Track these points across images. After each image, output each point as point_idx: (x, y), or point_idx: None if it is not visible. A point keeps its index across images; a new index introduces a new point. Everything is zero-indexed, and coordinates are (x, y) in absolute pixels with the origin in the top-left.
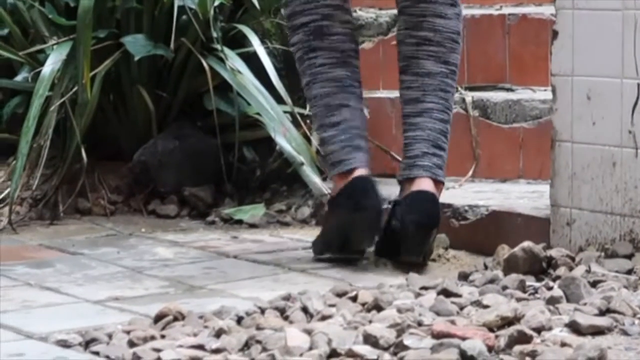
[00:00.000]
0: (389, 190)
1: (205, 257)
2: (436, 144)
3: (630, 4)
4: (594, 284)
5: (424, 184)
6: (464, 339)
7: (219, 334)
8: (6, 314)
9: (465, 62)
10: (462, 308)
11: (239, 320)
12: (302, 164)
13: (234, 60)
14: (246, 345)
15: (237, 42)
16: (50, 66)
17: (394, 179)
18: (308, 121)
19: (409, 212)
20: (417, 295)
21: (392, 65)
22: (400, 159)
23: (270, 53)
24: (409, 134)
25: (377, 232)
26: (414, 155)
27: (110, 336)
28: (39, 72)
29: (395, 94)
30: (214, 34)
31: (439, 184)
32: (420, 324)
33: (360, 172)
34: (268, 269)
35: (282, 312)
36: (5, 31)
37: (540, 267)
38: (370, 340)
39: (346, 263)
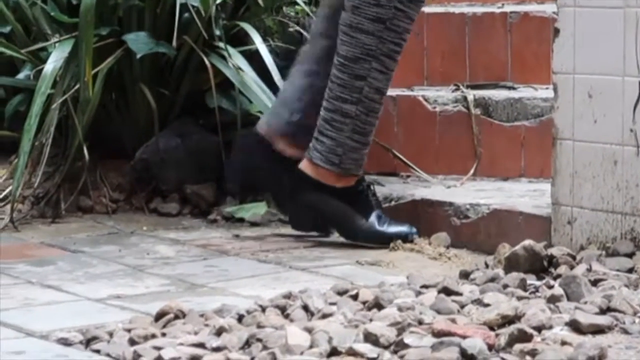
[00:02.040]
0: (391, 188)
1: (207, 255)
2: (319, 130)
3: (631, 2)
4: (594, 283)
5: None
6: (464, 337)
7: (219, 332)
8: (7, 311)
9: (467, 60)
10: (462, 306)
11: (240, 318)
12: None
13: (236, 58)
14: (247, 344)
15: (239, 39)
16: (53, 64)
17: (396, 177)
18: None
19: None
20: (418, 293)
21: None
22: (402, 157)
23: (272, 51)
24: None
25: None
26: None
27: (111, 334)
28: (41, 69)
29: (396, 92)
30: (216, 32)
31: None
32: (420, 322)
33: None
34: (269, 267)
35: (283, 310)
36: (8, 29)
37: (541, 266)
38: (370, 338)
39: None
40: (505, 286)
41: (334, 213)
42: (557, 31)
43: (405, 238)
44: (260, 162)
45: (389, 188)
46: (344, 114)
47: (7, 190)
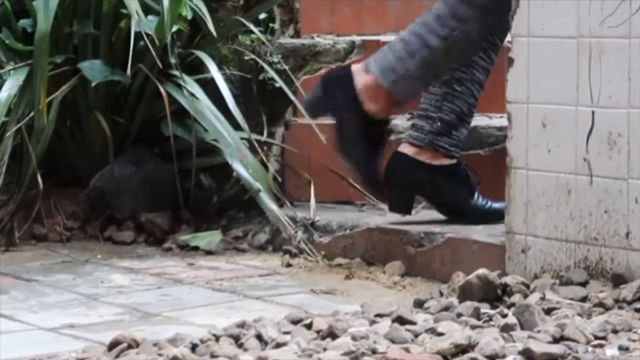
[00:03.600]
0: (346, 216)
1: (161, 284)
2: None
3: (585, 32)
4: (548, 312)
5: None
6: None
7: None
8: None
9: None
10: (416, 335)
11: (194, 347)
12: (259, 190)
13: (191, 86)
14: None
15: (195, 68)
16: (7, 91)
17: (351, 205)
18: (265, 148)
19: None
20: (372, 322)
21: None
22: (357, 185)
23: (228, 79)
24: None
25: (393, 201)
26: None
27: None
28: None
29: None
30: (172, 60)
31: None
32: (374, 351)
33: (400, 147)
34: (224, 296)
35: (237, 339)
36: None
37: (495, 295)
38: None
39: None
40: (459, 315)
41: (446, 193)
42: (511, 61)
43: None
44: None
45: (344, 216)
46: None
47: None
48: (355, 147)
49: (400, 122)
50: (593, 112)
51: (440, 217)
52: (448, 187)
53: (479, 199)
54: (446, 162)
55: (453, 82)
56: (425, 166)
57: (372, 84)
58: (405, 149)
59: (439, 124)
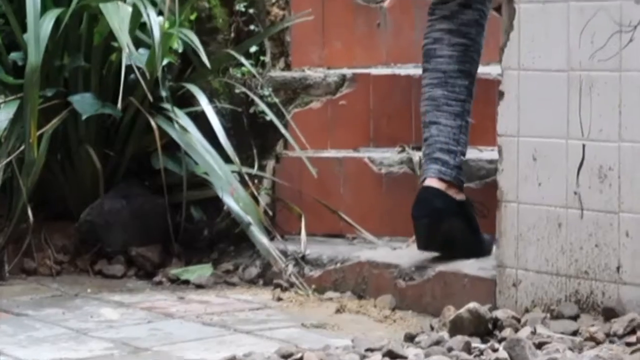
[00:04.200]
0: (337, 250)
1: (152, 318)
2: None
3: (575, 65)
4: (539, 346)
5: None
6: None
7: None
8: None
9: (412, 121)
10: None
11: None
12: (250, 224)
13: (182, 119)
14: None
15: (186, 101)
16: None
17: (342, 238)
18: (256, 181)
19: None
20: (363, 357)
21: (340, 125)
22: (348, 218)
23: (219, 112)
24: None
25: (429, 238)
26: None
27: None
28: None
29: (342, 153)
30: (162, 93)
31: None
32: None
33: (428, 182)
34: (214, 330)
35: None
36: None
37: (486, 329)
38: None
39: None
40: (450, 349)
41: (468, 229)
42: (501, 94)
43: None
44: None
45: (334, 250)
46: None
47: None
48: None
49: (389, 154)
50: (584, 146)
51: None
52: (470, 222)
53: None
54: (463, 197)
55: (465, 113)
56: (455, 201)
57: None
58: (435, 183)
59: (460, 157)
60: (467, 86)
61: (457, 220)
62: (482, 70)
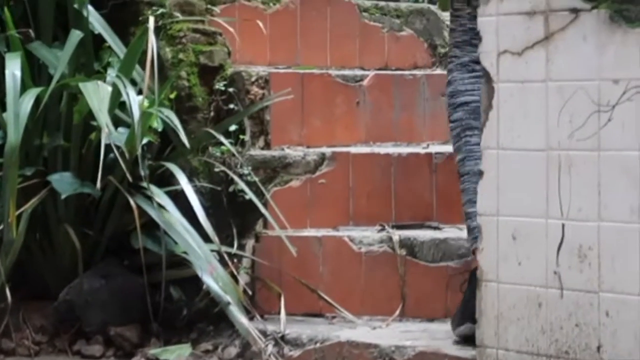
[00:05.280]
0: (316, 329)
1: None
2: None
3: (554, 145)
4: None
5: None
6: None
7: None
8: None
9: (392, 200)
10: None
11: None
12: (229, 303)
13: (161, 198)
14: None
15: (165, 179)
16: None
17: (322, 318)
18: (235, 260)
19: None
20: None
21: (319, 204)
22: (327, 298)
23: (198, 191)
24: None
25: None
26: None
27: None
28: None
29: (322, 232)
30: (142, 172)
31: None
32: None
33: None
34: None
35: None
36: None
37: None
38: None
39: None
40: None
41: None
42: (481, 173)
43: None
44: None
45: (314, 329)
46: None
47: None
48: None
49: (369, 233)
50: (563, 225)
51: (412, 329)
52: None
53: None
54: None
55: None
56: None
57: None
58: None
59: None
60: None
61: None
62: None
